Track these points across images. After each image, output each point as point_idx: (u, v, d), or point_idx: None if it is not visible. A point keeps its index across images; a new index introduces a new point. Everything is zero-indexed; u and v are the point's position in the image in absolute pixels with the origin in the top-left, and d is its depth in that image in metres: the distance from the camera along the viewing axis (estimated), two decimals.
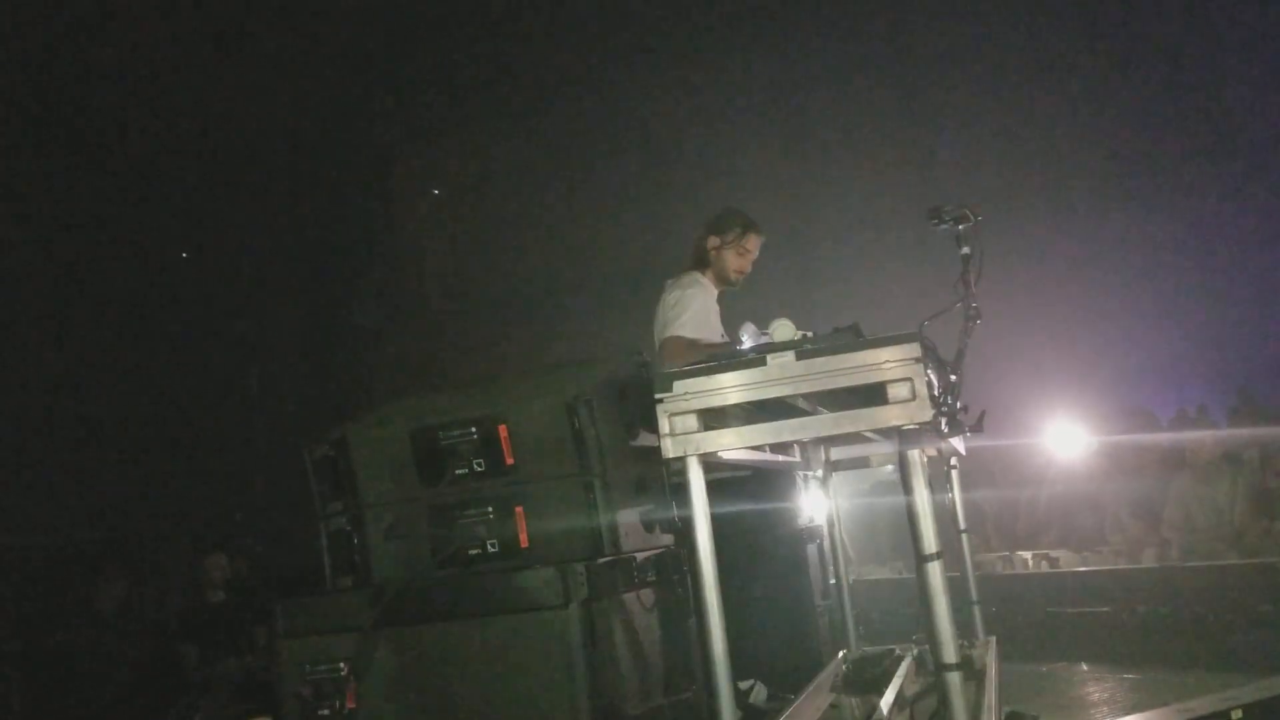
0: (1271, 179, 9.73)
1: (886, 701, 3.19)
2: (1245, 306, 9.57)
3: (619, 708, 2.88)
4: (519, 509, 3.14)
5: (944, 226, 2.76)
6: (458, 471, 3.17)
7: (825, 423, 2.42)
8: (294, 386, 12.77)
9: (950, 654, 2.16)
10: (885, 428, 2.28)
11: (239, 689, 5.42)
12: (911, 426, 2.19)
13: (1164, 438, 7.33)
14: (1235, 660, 5.18)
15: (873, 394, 2.23)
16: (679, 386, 2.35)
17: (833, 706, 3.38)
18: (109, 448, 10.58)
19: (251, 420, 12.33)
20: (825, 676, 3.51)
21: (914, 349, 2.18)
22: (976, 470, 7.63)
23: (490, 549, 3.14)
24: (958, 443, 3.38)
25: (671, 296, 3.68)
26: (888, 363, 2.19)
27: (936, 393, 2.29)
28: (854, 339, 2.37)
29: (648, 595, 3.13)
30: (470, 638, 2.89)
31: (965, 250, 2.72)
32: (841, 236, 10.61)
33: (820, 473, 4.06)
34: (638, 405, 3.18)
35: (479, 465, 3.17)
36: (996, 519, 7.97)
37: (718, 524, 2.36)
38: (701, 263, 3.83)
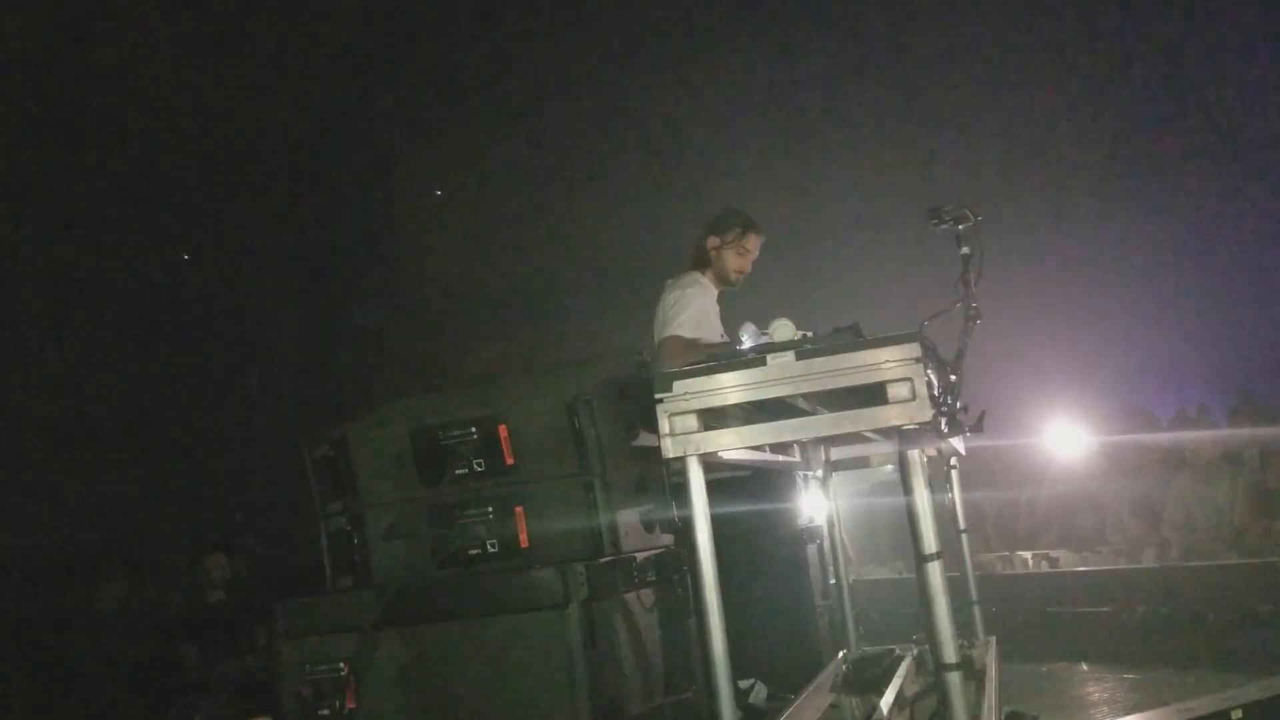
0: (1271, 179, 9.73)
1: (886, 701, 3.19)
2: (1245, 306, 9.57)
3: (619, 708, 2.88)
4: (519, 509, 3.14)
5: (944, 226, 2.76)
6: (458, 471, 3.17)
7: (825, 423, 2.42)
8: (294, 386, 12.76)
9: (950, 654, 2.16)
10: (885, 428, 2.28)
11: (239, 689, 5.42)
12: (911, 426, 2.19)
13: (1164, 438, 7.33)
14: (1235, 660, 5.17)
15: (873, 394, 2.23)
16: (679, 386, 2.35)
17: (833, 706, 3.38)
18: (109, 448, 10.58)
19: (251, 420, 12.33)
20: (825, 676, 3.51)
21: (914, 349, 2.18)
22: (976, 470, 7.63)
23: (490, 549, 3.14)
24: (958, 443, 3.38)
25: (671, 296, 3.68)
26: (888, 363, 2.19)
27: (936, 393, 2.29)
28: (854, 339, 2.37)
29: (648, 595, 3.13)
30: (470, 638, 2.89)
31: (965, 250, 2.72)
32: (841, 236, 10.61)
33: (820, 473, 4.06)
34: (638, 405, 3.18)
35: (479, 465, 3.17)
36: (996, 519, 7.97)
37: (718, 524, 2.36)
38: (701, 263, 3.83)
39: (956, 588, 2.49)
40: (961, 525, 4.00)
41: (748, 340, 2.66)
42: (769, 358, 2.31)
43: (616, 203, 11.59)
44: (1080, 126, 10.18)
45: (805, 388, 2.29)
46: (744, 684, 3.24)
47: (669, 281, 3.79)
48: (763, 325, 2.67)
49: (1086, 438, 7.42)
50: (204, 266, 12.35)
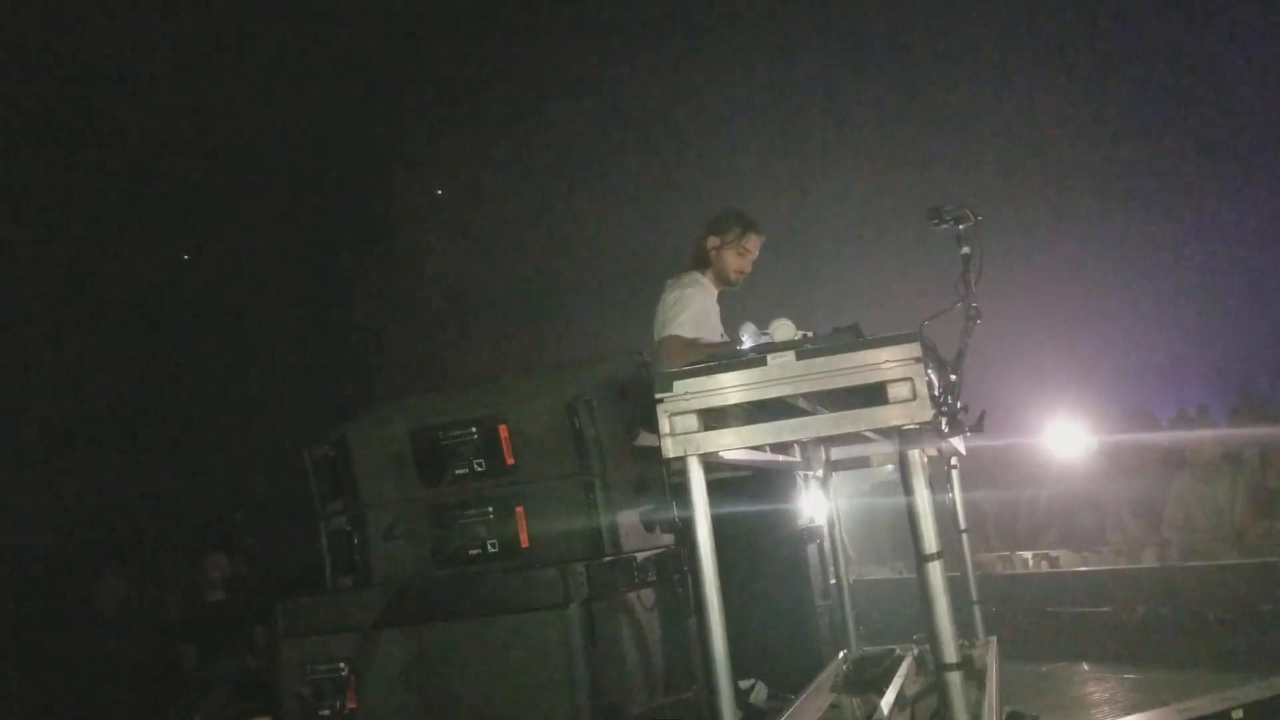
0: (1271, 179, 9.72)
1: (887, 702, 3.19)
2: (1245, 306, 9.56)
3: (619, 707, 2.88)
4: (519, 509, 3.14)
5: (944, 226, 2.76)
6: (458, 471, 3.17)
7: (825, 422, 2.42)
8: (294, 386, 12.77)
9: (950, 654, 2.16)
10: (885, 428, 2.28)
11: (239, 689, 5.42)
12: (912, 426, 2.19)
13: (1164, 437, 7.33)
14: (1235, 660, 5.17)
15: (873, 394, 2.23)
16: (679, 386, 2.35)
17: (833, 706, 3.38)
18: (109, 448, 10.58)
19: (251, 420, 12.33)
20: (825, 676, 3.51)
21: (914, 349, 2.18)
22: (977, 470, 7.63)
23: (490, 549, 3.14)
24: (958, 442, 3.38)
25: (671, 296, 3.68)
26: (888, 362, 2.19)
27: (936, 392, 2.29)
28: (854, 339, 2.37)
29: (648, 595, 3.13)
30: (470, 638, 2.89)
31: (965, 250, 2.72)
32: (841, 236, 10.61)
33: (820, 473, 4.06)
34: (638, 405, 3.18)
35: (479, 465, 3.17)
36: (997, 519, 7.97)
37: (718, 524, 2.35)
38: (701, 262, 3.83)
39: (957, 588, 2.49)
40: (962, 525, 4.00)
41: (748, 340, 2.65)
42: (769, 357, 2.31)
43: (616, 203, 11.59)
44: (1080, 126, 10.18)
45: (805, 388, 2.28)
46: (744, 684, 3.24)
47: (669, 281, 3.79)
48: (763, 325, 2.67)
49: (1086, 438, 7.42)
50: (204, 266, 12.36)
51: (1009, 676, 3.94)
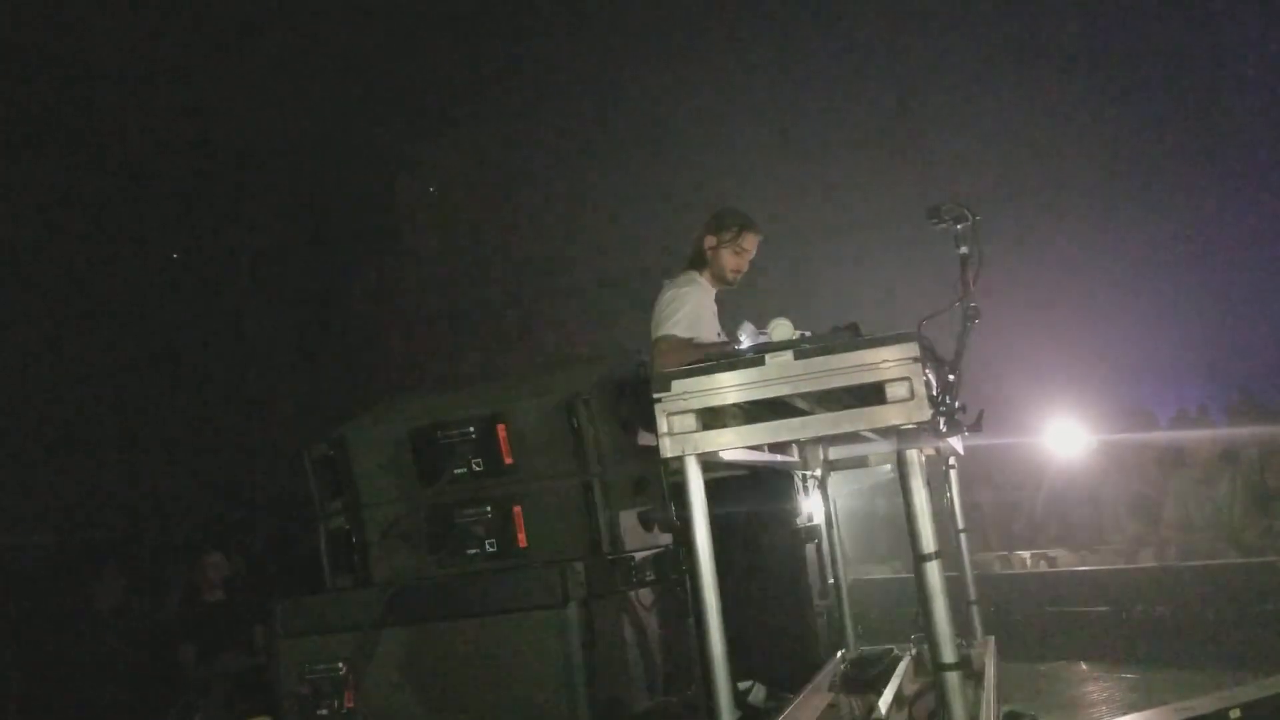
0: (1272, 179, 9.73)
1: (885, 701, 3.19)
2: (1245, 306, 9.56)
3: (618, 706, 2.88)
4: (517, 508, 3.15)
5: (942, 226, 2.75)
6: (456, 471, 3.17)
7: (824, 422, 2.42)
8: (294, 386, 12.77)
9: (949, 653, 2.16)
10: (884, 427, 2.28)
11: (238, 688, 5.42)
12: (910, 426, 2.19)
13: (1163, 437, 7.34)
14: (1235, 660, 5.17)
15: (871, 393, 2.23)
16: (677, 386, 2.35)
17: (831, 706, 3.38)
18: (109, 448, 10.58)
19: (251, 420, 12.33)
20: (824, 676, 3.51)
21: (912, 348, 2.18)
22: (975, 470, 7.64)
23: (489, 548, 3.15)
24: (956, 442, 3.38)
25: (667, 295, 3.67)
26: (886, 362, 2.19)
27: (935, 392, 2.29)
28: (852, 338, 2.37)
29: (646, 594, 3.13)
30: (469, 637, 2.89)
31: (964, 250, 2.72)
32: (840, 236, 10.61)
33: (818, 472, 4.06)
34: (636, 405, 3.18)
35: (478, 465, 3.17)
36: (995, 518, 7.97)
37: (716, 524, 2.35)
38: (699, 262, 3.82)
39: (955, 587, 2.49)
40: (960, 525, 4.00)
41: (746, 340, 2.65)
42: (767, 357, 2.31)
43: (615, 203, 11.59)
44: (1080, 126, 10.18)
45: (804, 387, 2.28)
46: (743, 686, 3.24)
47: (666, 281, 3.79)
48: (761, 325, 2.67)
49: (1085, 437, 7.42)
50: (204, 267, 12.36)
51: (1007, 676, 3.95)
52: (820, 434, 3.00)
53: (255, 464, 11.61)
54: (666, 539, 3.33)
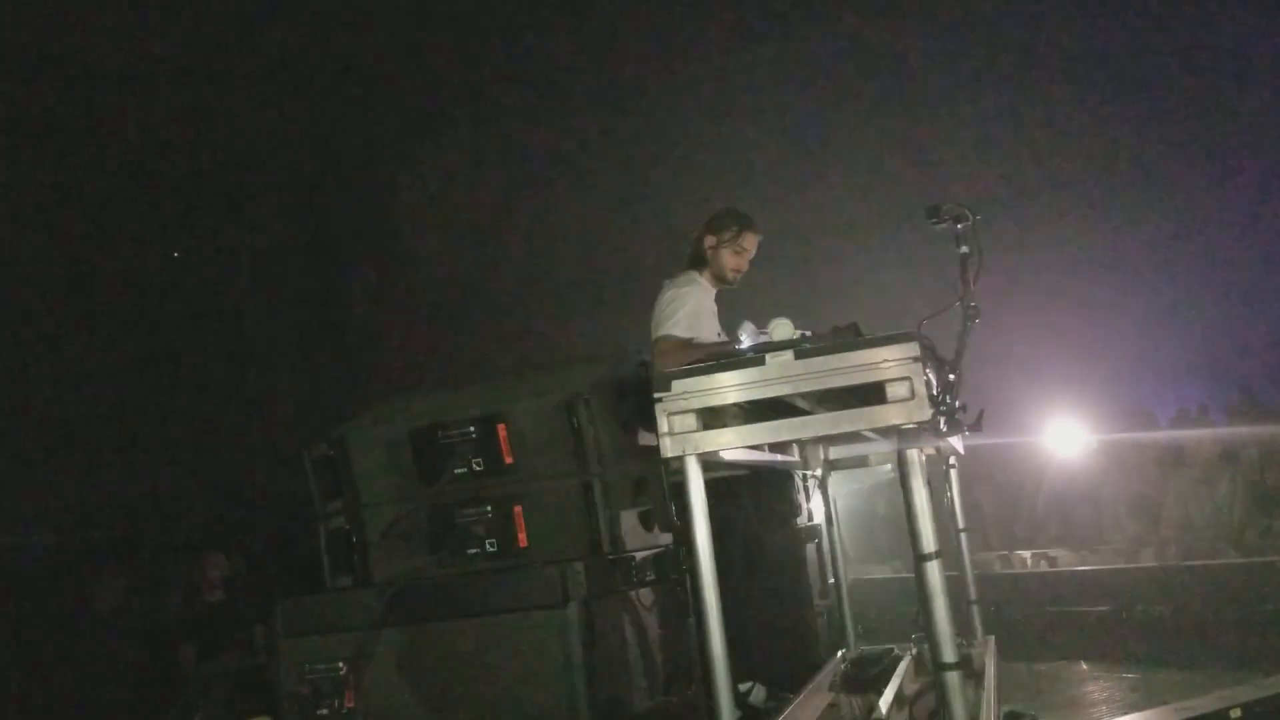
0: (1271, 179, 9.73)
1: (885, 701, 3.19)
2: (1245, 306, 9.57)
3: (618, 706, 2.88)
4: (518, 508, 3.14)
5: (942, 225, 2.75)
6: (456, 471, 3.17)
7: (824, 422, 2.41)
8: (294, 386, 12.77)
9: (949, 653, 2.16)
10: (884, 427, 2.28)
11: (239, 689, 5.42)
12: (910, 425, 2.19)
13: (1163, 437, 7.34)
14: (1235, 659, 5.18)
15: (871, 393, 2.23)
16: (678, 386, 2.35)
17: (832, 706, 3.38)
18: (109, 448, 10.58)
19: (251, 420, 12.33)
20: (824, 676, 3.51)
21: (912, 348, 2.18)
22: (976, 469, 7.64)
23: (489, 548, 3.14)
24: (956, 442, 3.37)
25: (667, 295, 3.67)
26: (886, 362, 2.19)
27: (935, 392, 2.28)
28: (853, 338, 2.37)
29: (646, 594, 3.13)
30: (469, 637, 2.89)
31: (964, 249, 2.71)
32: (841, 236, 10.61)
33: (819, 472, 4.05)
34: (637, 405, 3.18)
35: (478, 464, 3.17)
36: (995, 518, 7.97)
37: (716, 523, 2.35)
38: (699, 262, 3.82)
39: (955, 587, 2.49)
40: (960, 524, 4.00)
41: (746, 339, 2.65)
42: (768, 357, 2.31)
43: (616, 203, 11.59)
44: (1080, 126, 10.19)
45: (804, 387, 2.28)
46: (743, 687, 3.24)
47: (666, 281, 3.78)
48: (762, 324, 2.66)
49: (1085, 437, 7.42)
50: (204, 267, 12.36)
51: (1007, 676, 3.95)
52: (820, 434, 3.00)
53: (255, 464, 11.61)
54: (666, 539, 3.33)
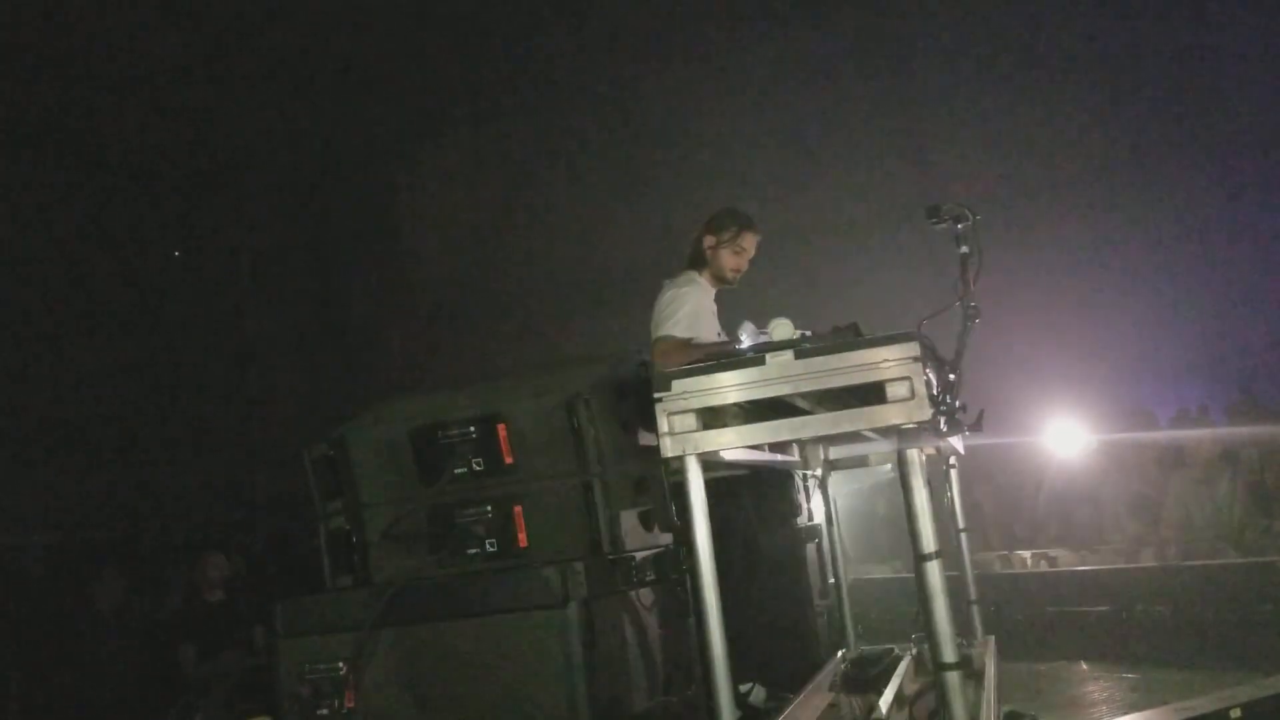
0: (1271, 179, 9.73)
1: (885, 701, 3.19)
2: (1245, 306, 9.57)
3: (618, 706, 2.88)
4: (518, 508, 3.14)
5: (943, 225, 2.75)
6: (456, 471, 3.17)
7: (824, 422, 2.42)
8: (293, 386, 12.77)
9: (949, 653, 2.16)
10: (884, 427, 2.28)
11: (239, 689, 5.42)
12: (910, 425, 2.19)
13: (1163, 437, 7.34)
14: (1235, 659, 5.18)
15: (871, 393, 2.23)
16: (678, 386, 2.35)
17: (832, 706, 3.38)
18: (109, 448, 10.58)
19: (251, 420, 12.34)
20: (824, 676, 3.51)
21: (913, 348, 2.18)
22: (976, 469, 7.64)
23: (489, 548, 3.14)
24: (957, 442, 3.38)
25: (666, 296, 3.67)
26: (886, 362, 2.19)
27: (935, 392, 2.29)
28: (853, 338, 2.37)
29: (646, 594, 3.13)
30: (470, 637, 2.89)
31: (964, 249, 2.71)
32: (841, 236, 10.61)
33: (819, 472, 4.06)
34: (637, 405, 3.18)
35: (478, 464, 3.17)
36: (995, 518, 7.97)
37: (716, 523, 2.35)
38: (698, 262, 3.82)
39: (955, 587, 2.49)
40: (960, 524, 4.00)
41: (746, 339, 2.65)
42: (768, 357, 2.31)
43: (616, 202, 11.59)
44: (1080, 126, 10.18)
45: (804, 387, 2.28)
46: (743, 688, 3.24)
47: (666, 281, 3.78)
48: (762, 324, 2.66)
49: (1085, 437, 7.42)
50: (204, 267, 12.37)
51: (1007, 676, 3.95)
52: (820, 434, 3.00)
53: (255, 464, 11.61)
54: (666, 539, 3.33)
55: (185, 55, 11.03)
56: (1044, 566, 6.99)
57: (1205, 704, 3.98)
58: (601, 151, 11.77)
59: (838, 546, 4.06)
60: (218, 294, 12.49)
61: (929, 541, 2.19)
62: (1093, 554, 6.95)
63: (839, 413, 2.34)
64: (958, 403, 2.55)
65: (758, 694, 3.29)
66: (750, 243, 3.83)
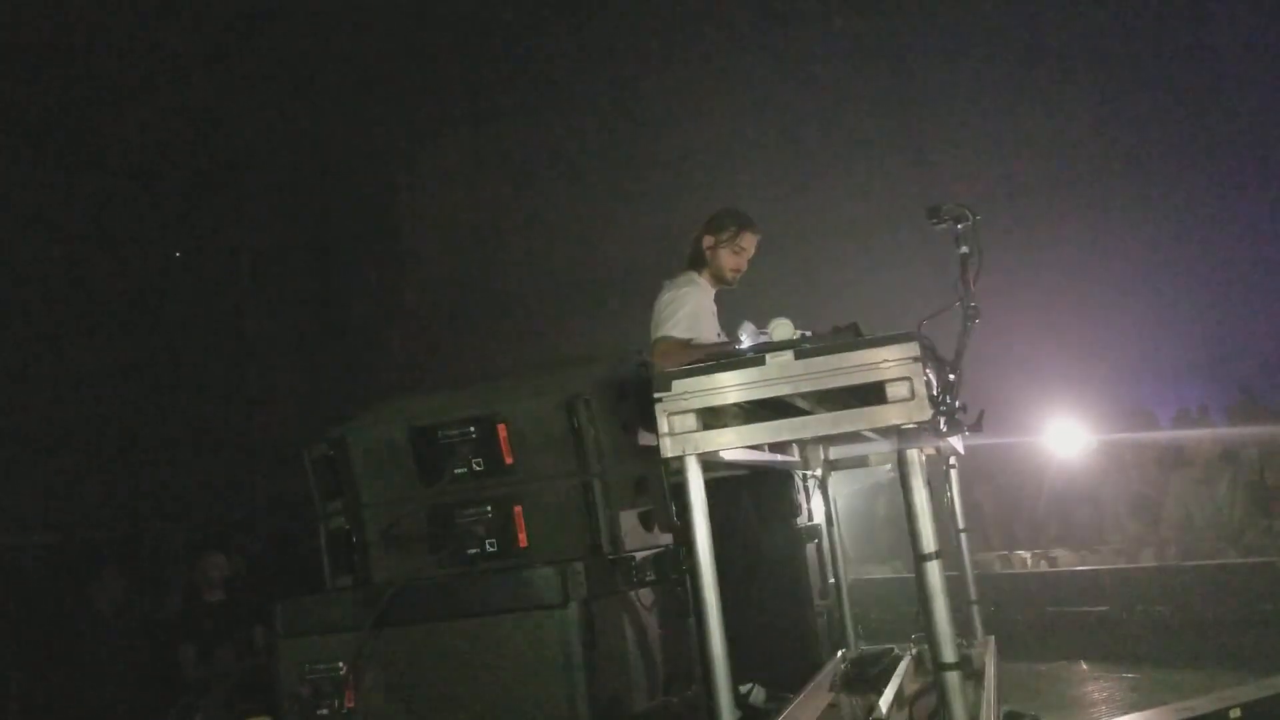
0: (1271, 179, 9.72)
1: (885, 701, 3.19)
2: (1245, 306, 9.57)
3: (618, 706, 2.88)
4: (518, 508, 3.14)
5: (943, 225, 2.75)
6: (456, 471, 3.16)
7: (824, 422, 2.42)
8: (293, 386, 12.77)
9: (949, 653, 2.16)
10: (884, 427, 2.28)
11: (239, 689, 5.42)
12: (910, 426, 2.19)
13: (1163, 437, 7.34)
14: (1235, 659, 5.18)
15: (871, 393, 2.23)
16: (678, 386, 2.35)
17: (832, 706, 3.38)
18: (109, 447, 10.59)
19: (251, 420, 12.33)
20: (824, 676, 3.51)
21: (913, 348, 2.18)
22: (976, 469, 7.64)
23: (489, 548, 3.14)
24: (957, 442, 3.38)
25: (666, 296, 3.67)
26: (886, 362, 2.19)
27: (935, 392, 2.29)
28: (853, 338, 2.37)
29: (646, 594, 3.13)
30: (470, 637, 2.89)
31: (964, 249, 2.71)
32: (841, 236, 10.61)
33: (819, 472, 4.06)
34: (637, 405, 3.18)
35: (478, 464, 3.17)
36: (996, 518, 7.98)
37: (716, 523, 2.35)
38: (698, 262, 3.82)
39: (955, 587, 2.49)
40: (960, 524, 4.00)
41: (746, 340, 2.65)
42: (768, 357, 2.31)
43: (616, 203, 11.59)
44: (1080, 126, 10.18)
45: (804, 387, 2.28)
46: (743, 688, 3.24)
47: (666, 282, 3.78)
48: (762, 325, 2.66)
49: (1086, 437, 7.42)
50: (203, 266, 12.36)
51: (1007, 676, 3.95)
52: (821, 434, 3.00)
53: (255, 464, 11.61)
54: (666, 539, 3.33)
55: (186, 55, 11.03)
56: (1044, 566, 6.99)
57: (1205, 704, 3.98)
58: (601, 152, 11.77)
59: (838, 546, 4.06)
60: (218, 294, 12.48)
61: (929, 541, 2.19)
62: (1093, 554, 6.95)
63: (839, 413, 2.34)
64: (958, 403, 2.55)
65: (758, 694, 3.30)
66: (750, 242, 3.83)
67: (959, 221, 2.74)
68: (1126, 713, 4.36)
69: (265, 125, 11.84)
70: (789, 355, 2.30)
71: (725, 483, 3.37)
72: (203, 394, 11.80)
